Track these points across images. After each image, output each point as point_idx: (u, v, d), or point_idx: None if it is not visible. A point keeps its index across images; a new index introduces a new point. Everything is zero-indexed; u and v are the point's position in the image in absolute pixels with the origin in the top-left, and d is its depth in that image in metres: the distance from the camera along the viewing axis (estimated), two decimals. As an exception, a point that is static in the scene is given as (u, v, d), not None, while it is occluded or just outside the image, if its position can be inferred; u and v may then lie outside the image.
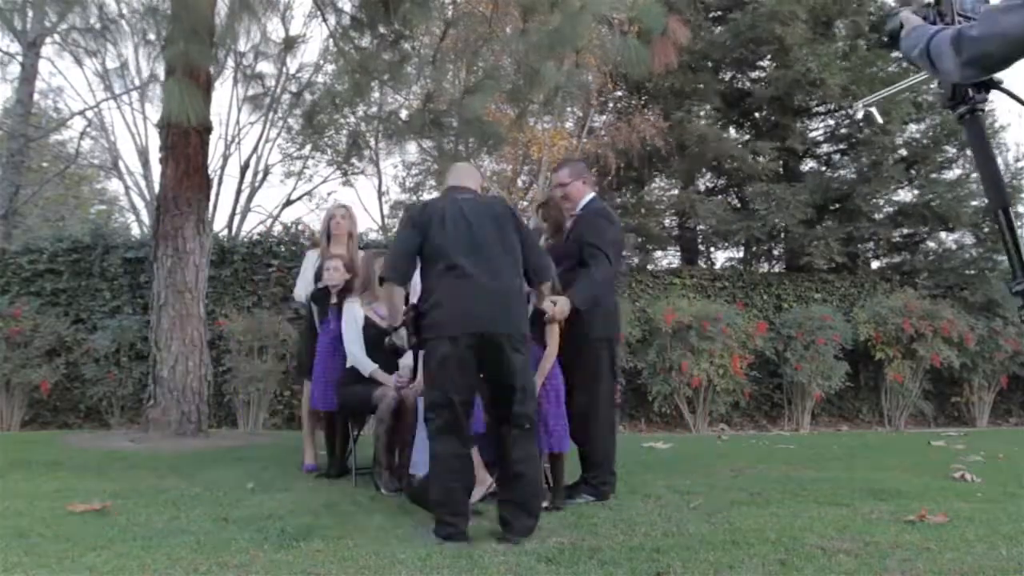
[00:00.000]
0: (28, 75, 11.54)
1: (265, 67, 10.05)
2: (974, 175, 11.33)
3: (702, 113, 11.65)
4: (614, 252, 4.58)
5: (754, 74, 12.64)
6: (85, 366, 8.26)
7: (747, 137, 12.31)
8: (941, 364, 9.68)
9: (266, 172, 17.34)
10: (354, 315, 4.96)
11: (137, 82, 14.04)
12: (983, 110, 1.99)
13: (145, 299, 8.34)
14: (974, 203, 10.93)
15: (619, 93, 13.41)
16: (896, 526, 3.66)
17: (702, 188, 13.01)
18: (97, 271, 8.78)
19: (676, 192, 13.43)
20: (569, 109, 13.01)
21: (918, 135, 11.72)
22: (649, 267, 12.48)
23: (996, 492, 4.64)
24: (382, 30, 7.58)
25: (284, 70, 12.79)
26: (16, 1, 7.81)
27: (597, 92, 12.11)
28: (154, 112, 17.67)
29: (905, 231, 11.81)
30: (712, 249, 13.89)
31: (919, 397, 10.08)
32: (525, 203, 14.18)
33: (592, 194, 4.81)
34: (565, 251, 4.62)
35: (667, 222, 13.80)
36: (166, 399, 7.11)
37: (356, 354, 4.89)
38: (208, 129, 7.50)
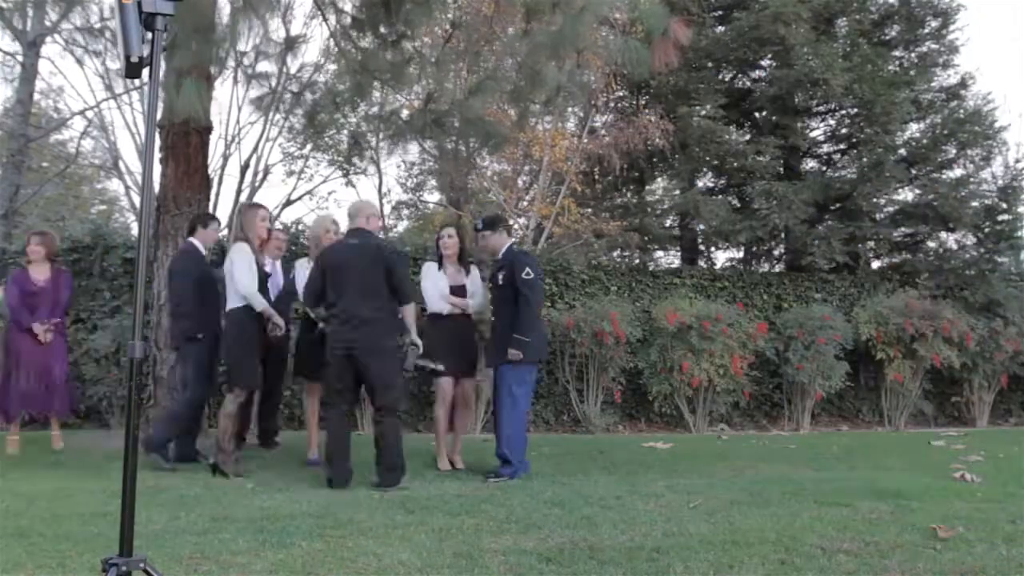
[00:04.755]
0: (28, 75, 11.53)
1: (266, 67, 10.03)
2: (975, 175, 11.34)
3: (703, 112, 11.64)
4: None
5: (755, 73, 12.64)
6: (85, 366, 8.24)
7: (748, 136, 12.30)
8: (941, 364, 9.68)
9: (266, 172, 17.31)
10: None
11: (138, 82, 14.04)
12: None
13: (145, 299, 8.33)
14: (975, 203, 10.92)
15: (620, 93, 13.40)
16: (896, 526, 3.66)
17: (703, 188, 12.99)
18: (97, 271, 8.76)
19: (678, 192, 13.43)
20: (570, 109, 13.01)
21: (918, 135, 11.71)
22: (650, 267, 12.48)
23: (996, 492, 4.64)
24: (383, 30, 7.57)
25: (284, 70, 12.78)
26: (17, 1, 7.81)
27: (599, 92, 12.10)
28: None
29: (906, 231, 11.80)
30: (712, 249, 13.89)
31: (919, 397, 10.08)
32: (526, 202, 14.17)
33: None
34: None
35: (668, 222, 13.80)
36: (166, 399, 7.11)
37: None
38: (208, 129, 7.50)
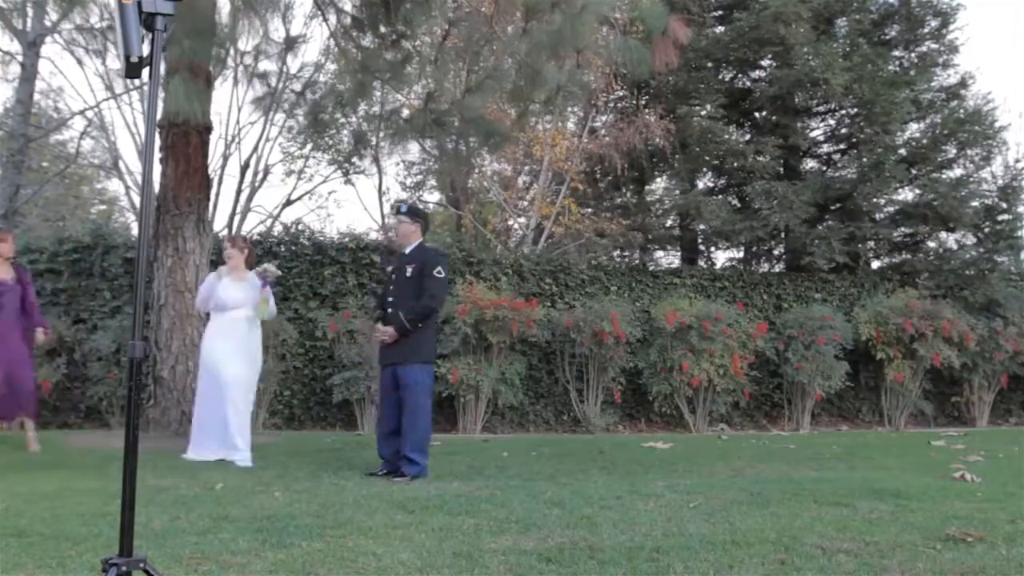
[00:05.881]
0: (28, 75, 11.53)
1: (266, 66, 10.04)
2: (975, 175, 11.34)
3: (703, 113, 11.65)
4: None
5: (755, 73, 12.64)
6: (86, 366, 8.25)
7: (748, 136, 12.31)
8: (941, 364, 9.68)
9: (266, 172, 17.35)
10: None
11: (137, 82, 14.05)
12: None
13: (145, 299, 8.35)
14: (975, 203, 10.93)
15: (620, 93, 13.41)
16: (896, 526, 3.66)
17: (704, 188, 13.00)
18: (97, 271, 8.77)
19: (678, 192, 13.43)
20: (570, 109, 13.01)
21: (918, 135, 11.71)
22: (650, 267, 12.48)
23: (996, 492, 4.64)
24: (383, 30, 7.57)
25: (285, 69, 12.80)
26: (17, 1, 7.81)
27: (599, 92, 12.11)
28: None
29: (906, 231, 11.81)
30: (713, 249, 13.89)
31: (919, 397, 10.08)
32: (526, 202, 14.17)
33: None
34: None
35: (668, 222, 13.80)
36: (166, 399, 7.12)
37: None
38: (208, 129, 7.50)
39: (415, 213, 5.54)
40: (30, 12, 10.95)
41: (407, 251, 5.40)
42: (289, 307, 8.95)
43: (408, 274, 5.28)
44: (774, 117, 12.02)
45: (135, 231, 15.01)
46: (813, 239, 10.79)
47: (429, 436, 5.35)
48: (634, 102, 13.25)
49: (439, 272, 5.21)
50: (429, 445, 5.35)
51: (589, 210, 13.39)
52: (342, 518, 3.77)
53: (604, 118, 13.58)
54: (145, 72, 2.34)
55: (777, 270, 12.65)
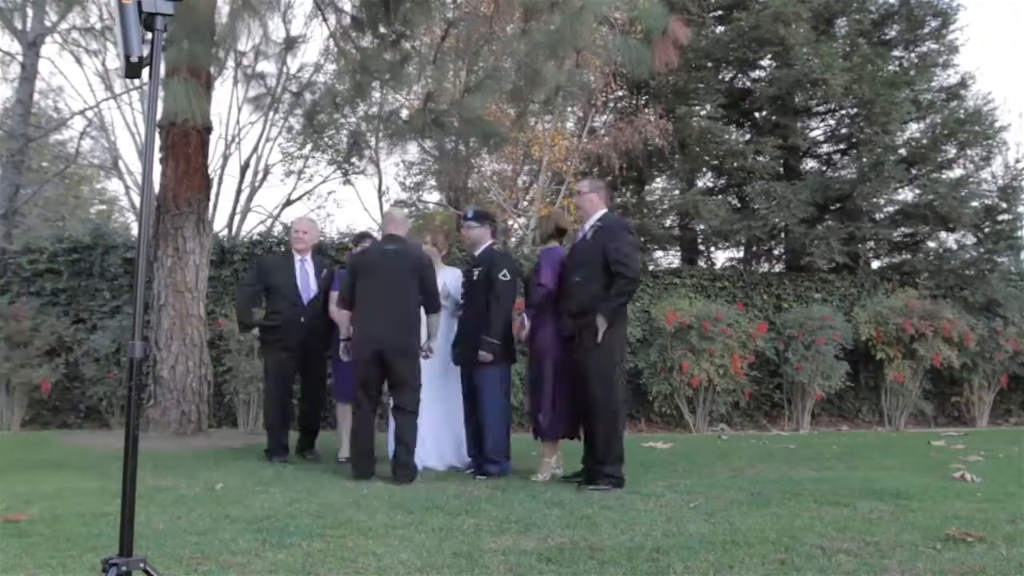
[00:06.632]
0: (28, 75, 11.52)
1: (266, 67, 10.04)
2: (975, 175, 11.33)
3: (703, 113, 11.64)
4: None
5: (755, 73, 12.63)
6: (85, 366, 8.25)
7: (747, 136, 12.30)
8: (941, 364, 9.68)
9: (266, 172, 17.37)
10: None
11: (137, 82, 14.05)
12: None
13: (145, 299, 8.33)
14: (975, 203, 10.92)
15: (620, 93, 13.40)
16: (896, 526, 3.66)
17: (703, 188, 12.99)
18: (97, 271, 8.77)
19: (677, 192, 13.43)
20: (570, 109, 13.01)
21: (918, 135, 11.70)
22: (650, 267, 12.47)
23: (996, 492, 4.64)
24: (382, 30, 7.58)
25: (284, 70, 12.80)
26: (17, 1, 7.81)
27: (598, 92, 12.11)
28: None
29: (906, 231, 11.80)
30: (712, 249, 13.88)
31: (919, 397, 10.08)
32: (526, 202, 14.17)
33: (605, 210, 5.15)
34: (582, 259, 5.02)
35: (668, 222, 13.80)
36: (166, 399, 7.12)
37: None
38: (208, 129, 7.51)
39: (481, 217, 5.65)
40: (30, 12, 10.95)
41: (476, 255, 5.55)
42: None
43: (475, 277, 5.45)
44: (774, 117, 12.01)
45: (135, 231, 15.00)
46: (813, 239, 10.78)
47: (506, 435, 5.55)
48: (633, 102, 13.24)
49: (504, 275, 5.33)
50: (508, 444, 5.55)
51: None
52: (342, 518, 3.77)
53: (603, 118, 13.57)
54: (145, 72, 2.34)
55: (777, 270, 12.63)
